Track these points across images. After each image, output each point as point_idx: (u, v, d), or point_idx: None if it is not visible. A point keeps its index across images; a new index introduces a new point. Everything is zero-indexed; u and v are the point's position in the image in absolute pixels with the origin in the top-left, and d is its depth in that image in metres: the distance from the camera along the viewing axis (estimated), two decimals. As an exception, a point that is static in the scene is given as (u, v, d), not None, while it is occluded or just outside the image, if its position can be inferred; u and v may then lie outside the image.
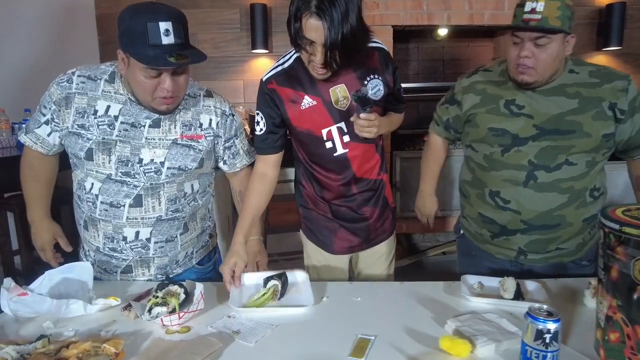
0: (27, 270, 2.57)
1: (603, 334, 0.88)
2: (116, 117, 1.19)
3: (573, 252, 1.34)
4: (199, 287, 1.11)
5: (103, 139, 1.19)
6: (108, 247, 1.26)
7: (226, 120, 1.31)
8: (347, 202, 1.41)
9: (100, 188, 1.21)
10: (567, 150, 1.24)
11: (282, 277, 1.19)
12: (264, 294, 1.15)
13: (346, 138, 1.31)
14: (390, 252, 1.52)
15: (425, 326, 1.03)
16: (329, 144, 1.31)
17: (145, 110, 1.19)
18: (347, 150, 1.32)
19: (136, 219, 1.23)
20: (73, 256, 1.35)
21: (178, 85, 1.13)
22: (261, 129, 1.31)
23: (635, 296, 0.79)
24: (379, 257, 1.50)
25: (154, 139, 1.21)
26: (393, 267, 1.56)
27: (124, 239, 1.25)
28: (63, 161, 1.35)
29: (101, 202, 1.22)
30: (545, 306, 0.87)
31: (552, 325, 0.82)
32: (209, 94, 1.31)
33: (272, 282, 1.17)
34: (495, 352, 0.92)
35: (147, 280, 1.30)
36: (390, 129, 1.46)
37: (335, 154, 1.32)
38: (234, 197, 1.48)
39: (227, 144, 1.34)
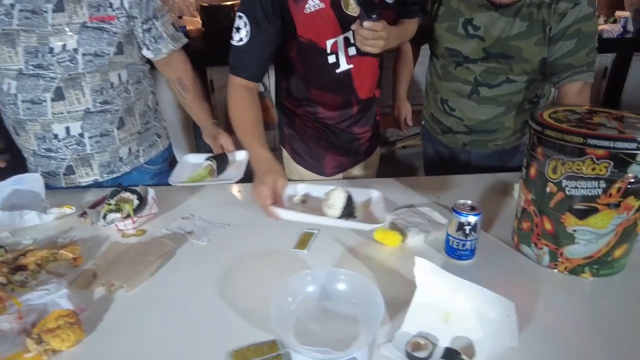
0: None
1: (518, 223, 1.00)
2: (12, 5, 1.11)
3: (512, 147, 1.49)
4: (151, 192, 1.15)
5: (2, 30, 1.11)
6: (43, 148, 1.25)
7: (141, 0, 1.22)
8: (342, 123, 1.31)
9: (17, 86, 1.16)
10: (508, 72, 1.31)
11: (219, 158, 1.31)
12: (200, 173, 1.29)
13: (352, 50, 1.16)
14: (377, 163, 1.53)
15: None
16: (332, 58, 1.16)
17: None
18: (351, 66, 1.18)
19: (62, 113, 1.20)
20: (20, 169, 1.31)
21: None
22: (241, 39, 1.09)
23: (547, 190, 0.88)
24: (366, 169, 1.47)
25: (60, 25, 1.13)
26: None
27: (55, 136, 1.22)
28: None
29: (22, 101, 1.18)
30: (469, 201, 0.95)
31: (472, 219, 0.92)
32: None
33: (207, 163, 1.31)
34: (424, 242, 1.03)
35: (94, 182, 1.31)
36: (402, 41, 1.28)
37: (337, 71, 1.18)
38: (173, 89, 1.41)
39: (145, 26, 1.25)
